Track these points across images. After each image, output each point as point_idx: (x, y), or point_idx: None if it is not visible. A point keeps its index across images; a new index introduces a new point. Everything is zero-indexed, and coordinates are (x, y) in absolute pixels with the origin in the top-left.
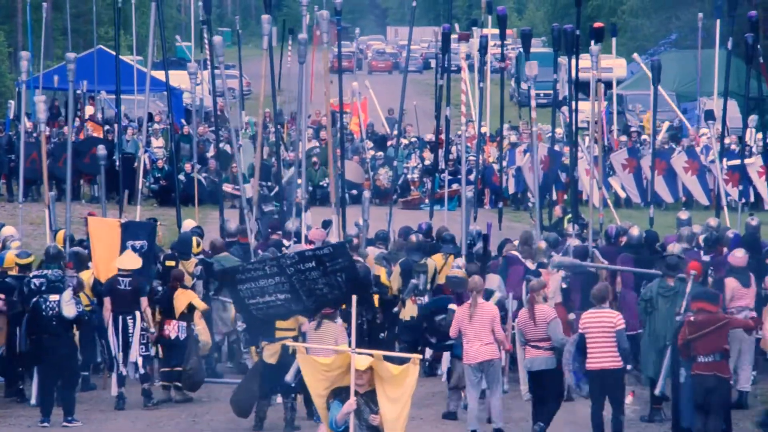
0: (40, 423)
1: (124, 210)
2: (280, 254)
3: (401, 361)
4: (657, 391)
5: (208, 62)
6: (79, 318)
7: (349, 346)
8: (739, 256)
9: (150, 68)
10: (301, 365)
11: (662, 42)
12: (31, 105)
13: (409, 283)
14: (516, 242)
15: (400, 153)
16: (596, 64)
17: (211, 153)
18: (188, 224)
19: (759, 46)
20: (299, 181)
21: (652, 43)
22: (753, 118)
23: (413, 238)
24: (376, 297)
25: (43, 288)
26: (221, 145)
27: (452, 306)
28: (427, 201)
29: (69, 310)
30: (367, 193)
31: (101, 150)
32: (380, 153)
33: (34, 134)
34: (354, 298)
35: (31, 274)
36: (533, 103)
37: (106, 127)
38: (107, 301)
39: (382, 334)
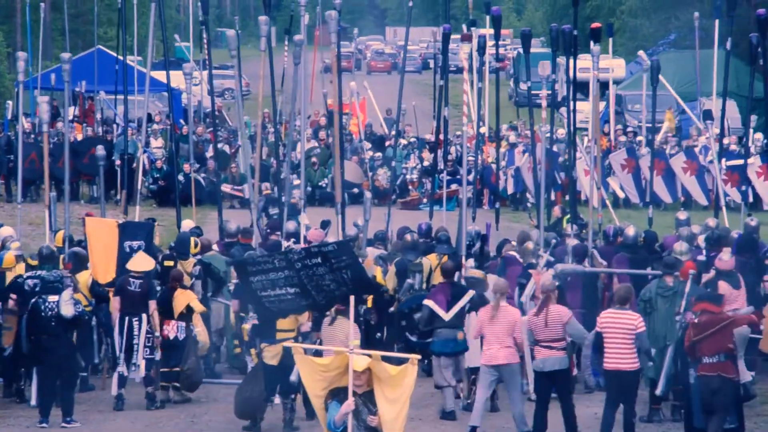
0: (39, 423)
1: (127, 210)
2: (288, 249)
3: (399, 362)
4: (658, 392)
5: (207, 62)
6: (78, 318)
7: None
8: (726, 259)
9: (149, 69)
10: (298, 366)
11: (661, 42)
12: (31, 105)
13: (404, 282)
14: (530, 244)
15: (399, 153)
16: (597, 65)
17: (209, 153)
18: (186, 225)
19: (759, 48)
20: (297, 182)
21: (651, 44)
22: (753, 119)
23: (408, 237)
24: (370, 297)
25: (37, 289)
26: (220, 145)
27: (427, 302)
28: (426, 201)
29: (67, 310)
30: (368, 194)
31: (100, 150)
32: (379, 153)
33: (32, 134)
34: (351, 298)
35: (25, 275)
36: (544, 102)
37: (105, 127)
38: (116, 300)
39: (379, 334)
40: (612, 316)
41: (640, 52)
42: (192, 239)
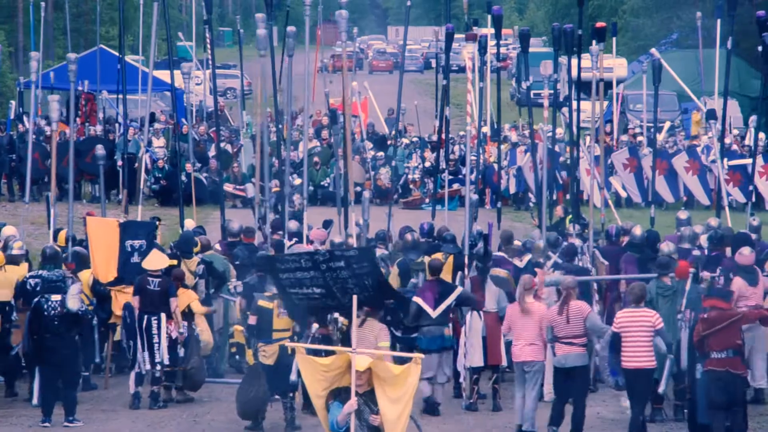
0: (42, 423)
1: (125, 210)
2: (314, 250)
3: (402, 361)
4: (661, 390)
5: (210, 62)
6: (81, 315)
7: (350, 346)
8: (746, 254)
9: (152, 68)
10: (300, 366)
11: (663, 42)
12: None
13: (408, 282)
14: (517, 242)
15: (401, 153)
16: (596, 64)
17: (212, 153)
18: (188, 224)
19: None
20: (297, 181)
21: (653, 43)
22: (753, 119)
23: (408, 236)
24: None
25: (38, 288)
26: (222, 144)
27: (415, 299)
28: (428, 201)
29: (73, 303)
30: (367, 193)
31: (100, 150)
32: (381, 153)
33: (33, 134)
34: (354, 298)
35: (27, 275)
36: (546, 102)
37: (107, 126)
38: (135, 300)
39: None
40: (629, 315)
41: (653, 50)
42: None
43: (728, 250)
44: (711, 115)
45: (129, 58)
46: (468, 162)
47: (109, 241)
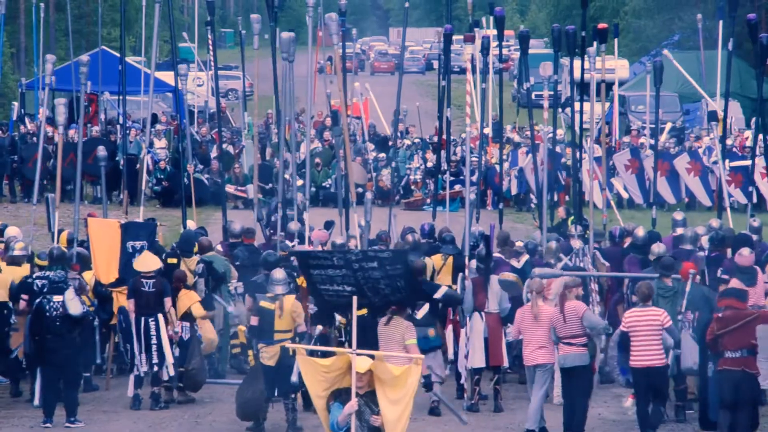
0: (43, 424)
1: (126, 211)
2: (347, 249)
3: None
4: None
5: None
6: (84, 317)
7: (350, 347)
8: (745, 255)
9: (153, 69)
10: (300, 366)
11: (664, 43)
12: (35, 106)
13: None
14: (518, 243)
15: (403, 154)
16: (594, 65)
17: (213, 154)
18: (189, 226)
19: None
20: (300, 182)
21: (654, 44)
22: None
23: (409, 237)
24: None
25: (45, 289)
26: (224, 145)
27: None
28: (429, 202)
29: (74, 308)
30: (369, 194)
31: (101, 151)
32: (382, 154)
33: (35, 136)
34: (354, 299)
35: (34, 276)
36: (546, 104)
37: (108, 127)
38: (131, 302)
39: None
40: (637, 314)
41: (665, 52)
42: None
43: (729, 252)
44: (713, 116)
45: (131, 60)
46: (468, 163)
47: (110, 242)
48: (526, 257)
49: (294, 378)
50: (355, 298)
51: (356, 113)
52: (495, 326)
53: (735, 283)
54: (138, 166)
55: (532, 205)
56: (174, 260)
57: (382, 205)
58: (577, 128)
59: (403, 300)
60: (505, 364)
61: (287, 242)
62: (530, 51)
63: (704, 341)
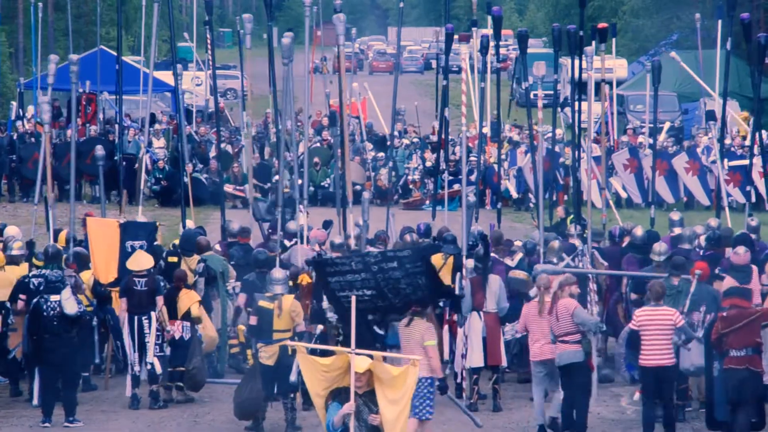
0: (42, 423)
1: (125, 211)
2: (365, 252)
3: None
4: None
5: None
6: (80, 316)
7: (350, 347)
8: (740, 253)
9: (152, 69)
10: (300, 365)
11: (663, 43)
12: (34, 106)
13: None
14: (517, 242)
15: (401, 153)
16: (592, 65)
17: (212, 153)
18: (187, 225)
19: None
20: (299, 181)
21: (653, 44)
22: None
23: (408, 237)
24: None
25: (42, 288)
26: (222, 145)
27: None
28: (428, 202)
29: (70, 307)
30: (366, 194)
31: (99, 151)
32: (381, 154)
33: (33, 136)
34: (354, 299)
35: (30, 274)
36: (540, 103)
37: (107, 127)
38: (123, 301)
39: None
40: (649, 313)
41: (672, 54)
42: None
43: (728, 251)
44: (711, 116)
45: (129, 59)
46: (464, 162)
47: (109, 241)
48: (519, 256)
49: (293, 377)
50: (354, 299)
51: (354, 113)
52: (493, 326)
53: (729, 281)
54: (137, 165)
55: (531, 205)
56: (174, 259)
57: (380, 205)
58: (576, 128)
59: (425, 297)
60: (504, 363)
61: (285, 241)
62: (529, 50)
63: (709, 341)
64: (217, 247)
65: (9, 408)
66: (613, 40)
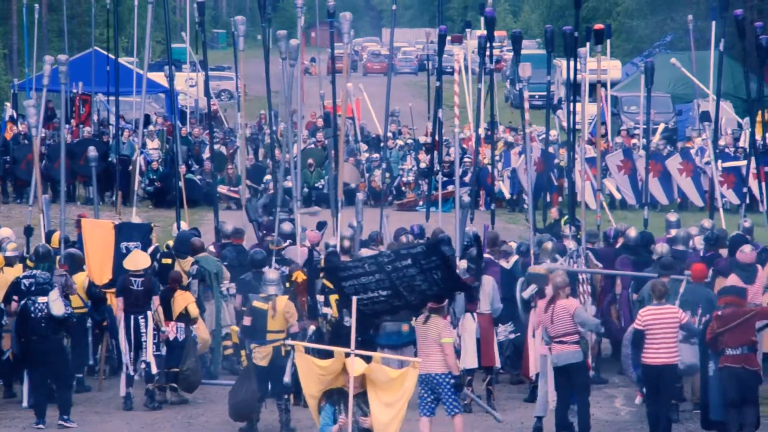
0: (35, 425)
1: (120, 212)
2: (378, 252)
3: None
4: None
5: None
6: (68, 318)
7: (342, 340)
8: (746, 252)
9: (146, 70)
10: (298, 365)
11: (657, 44)
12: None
13: None
14: (512, 243)
15: (395, 154)
16: (586, 66)
17: (206, 155)
18: (181, 226)
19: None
20: (288, 183)
21: (647, 45)
22: (747, 121)
23: (403, 238)
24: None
25: (33, 289)
26: (216, 146)
27: None
28: (422, 203)
29: (57, 309)
30: (360, 195)
31: (92, 152)
32: (376, 155)
33: (26, 138)
34: (354, 299)
35: (22, 276)
36: (526, 105)
37: (101, 128)
38: (120, 301)
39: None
40: (654, 312)
41: (673, 60)
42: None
43: (723, 252)
44: (705, 117)
45: (123, 60)
46: (457, 163)
47: (104, 243)
48: (515, 258)
49: (286, 379)
50: (354, 299)
51: (348, 114)
52: (487, 326)
53: (733, 279)
54: (130, 167)
55: (525, 206)
56: (168, 261)
57: (375, 206)
58: (570, 128)
59: (442, 292)
60: (497, 364)
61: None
62: (523, 52)
63: (704, 341)
64: (211, 248)
65: (2, 409)
66: (608, 41)
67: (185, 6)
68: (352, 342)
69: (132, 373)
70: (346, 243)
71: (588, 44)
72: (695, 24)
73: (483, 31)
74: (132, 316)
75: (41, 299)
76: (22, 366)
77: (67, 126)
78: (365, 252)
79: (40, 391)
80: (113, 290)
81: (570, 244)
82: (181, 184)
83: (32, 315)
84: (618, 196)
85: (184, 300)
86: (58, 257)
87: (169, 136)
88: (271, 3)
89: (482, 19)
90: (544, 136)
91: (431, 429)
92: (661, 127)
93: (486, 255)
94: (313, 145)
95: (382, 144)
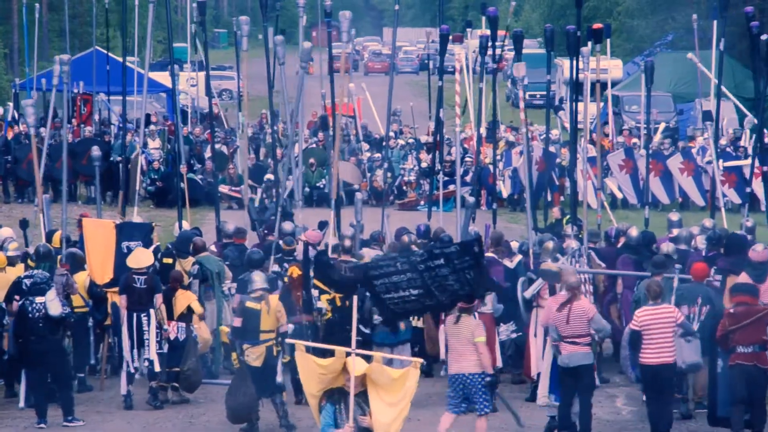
0: (37, 424)
1: (121, 211)
2: (410, 251)
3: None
4: None
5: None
6: (65, 317)
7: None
8: (759, 250)
9: (147, 70)
10: (298, 364)
11: (658, 43)
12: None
13: None
14: (513, 243)
15: (396, 154)
16: (588, 65)
17: (207, 154)
18: (183, 226)
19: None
20: (289, 184)
21: (648, 44)
22: (749, 120)
23: (405, 238)
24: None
25: (31, 289)
26: (217, 146)
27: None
28: (423, 202)
29: (54, 309)
30: (359, 194)
31: (95, 151)
32: (378, 154)
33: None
34: (355, 298)
35: (22, 275)
36: (522, 104)
37: (102, 128)
38: (123, 299)
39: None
40: (651, 312)
41: (690, 55)
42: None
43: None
44: (707, 116)
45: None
46: (458, 163)
47: (105, 242)
48: (519, 257)
49: (279, 378)
50: (355, 298)
51: (344, 112)
52: (489, 326)
53: (744, 277)
54: (130, 166)
55: (526, 206)
56: (170, 260)
57: (376, 206)
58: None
59: (473, 292)
60: (499, 364)
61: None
62: (524, 51)
63: (713, 338)
64: (213, 248)
65: (4, 409)
66: (608, 40)
67: (186, 6)
68: (353, 342)
69: (132, 371)
70: (347, 242)
71: (590, 44)
72: (697, 23)
73: (485, 31)
74: (135, 314)
75: (39, 299)
76: (20, 366)
77: (69, 126)
78: (366, 252)
79: (39, 391)
80: (114, 289)
81: (572, 244)
82: (183, 183)
83: (30, 315)
84: (619, 195)
85: (185, 299)
86: (59, 257)
87: (170, 135)
88: (273, 3)
89: (483, 18)
90: (544, 135)
91: (452, 425)
92: (662, 126)
93: (489, 254)
94: (314, 145)
95: (384, 143)
